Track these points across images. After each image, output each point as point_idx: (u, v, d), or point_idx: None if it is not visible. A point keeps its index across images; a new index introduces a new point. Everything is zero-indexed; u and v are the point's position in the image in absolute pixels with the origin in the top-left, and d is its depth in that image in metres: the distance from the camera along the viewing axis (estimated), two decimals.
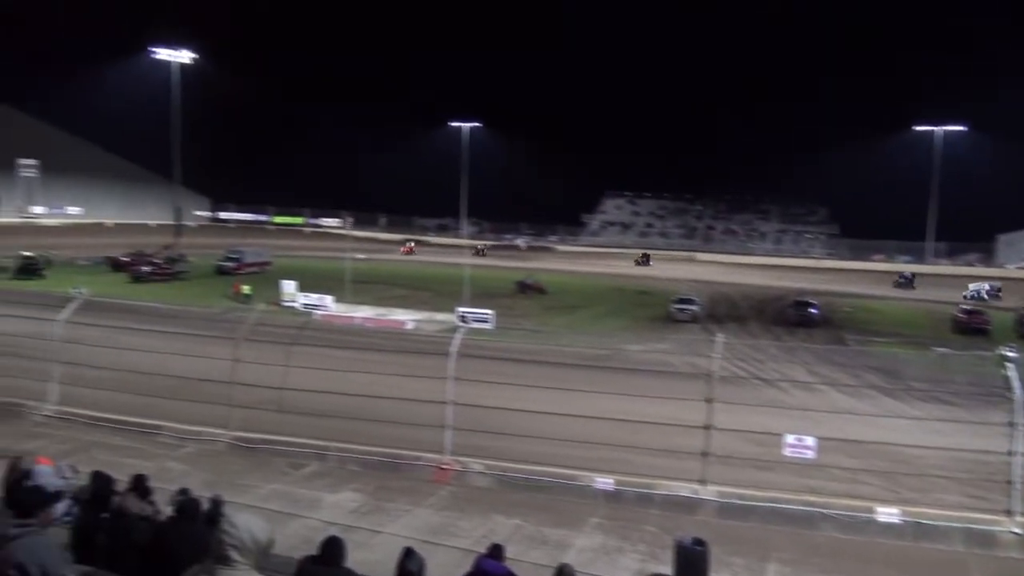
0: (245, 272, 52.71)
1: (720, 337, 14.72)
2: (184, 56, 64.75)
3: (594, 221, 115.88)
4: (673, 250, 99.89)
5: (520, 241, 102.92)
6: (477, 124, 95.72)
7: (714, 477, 13.36)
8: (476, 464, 14.59)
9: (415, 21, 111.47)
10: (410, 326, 35.33)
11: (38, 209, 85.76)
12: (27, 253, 48.52)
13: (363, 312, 37.66)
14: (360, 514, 12.81)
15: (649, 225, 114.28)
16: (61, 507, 5.67)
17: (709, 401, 13.45)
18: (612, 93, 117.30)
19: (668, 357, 28.36)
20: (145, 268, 49.09)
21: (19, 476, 9.37)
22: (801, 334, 39.58)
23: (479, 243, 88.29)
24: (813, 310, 43.45)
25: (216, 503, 9.65)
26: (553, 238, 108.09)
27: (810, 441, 13.30)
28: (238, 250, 57.76)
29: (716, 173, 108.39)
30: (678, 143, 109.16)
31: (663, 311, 44.22)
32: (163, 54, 64.13)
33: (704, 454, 13.32)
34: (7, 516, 4.87)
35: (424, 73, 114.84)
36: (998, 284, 64.52)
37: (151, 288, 44.88)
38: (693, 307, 43.52)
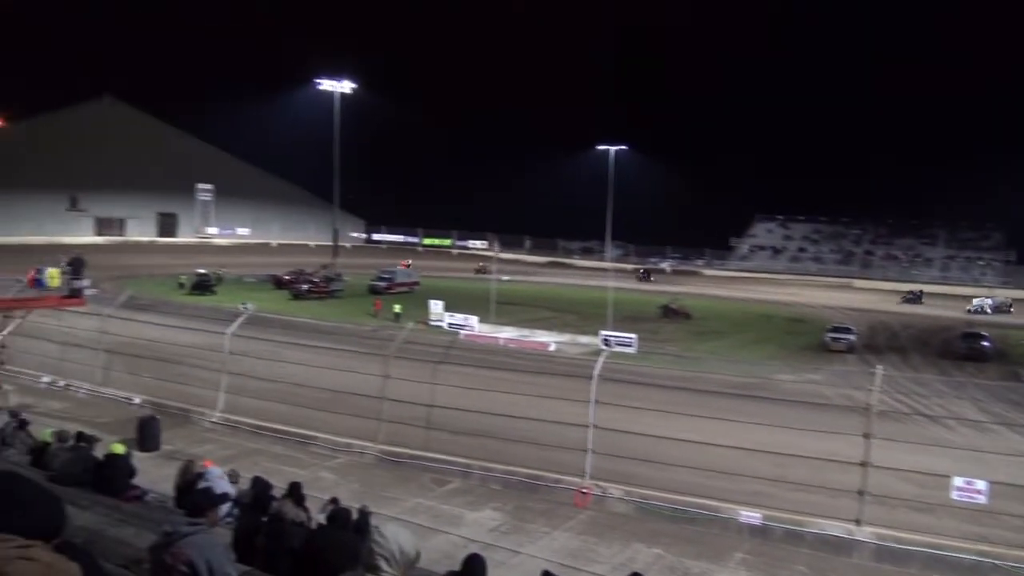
0: (395, 291, 54.73)
1: (879, 369, 13.93)
2: (345, 87, 68.25)
3: (743, 245, 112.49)
4: (828, 276, 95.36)
5: (665, 265, 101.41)
6: (623, 147, 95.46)
7: (870, 517, 12.60)
8: (616, 489, 14.44)
9: (555, 46, 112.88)
10: (553, 348, 35.42)
11: (212, 230, 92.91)
12: (201, 270, 52.42)
13: (507, 333, 38.08)
14: (500, 533, 12.95)
15: (802, 249, 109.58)
16: (224, 508, 5.97)
17: (867, 436, 12.74)
18: (764, 112, 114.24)
19: (822, 388, 27.05)
20: (304, 286, 51.90)
21: (192, 478, 10.11)
22: (970, 368, 36.70)
23: (483, 260, 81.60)
24: (985, 343, 40.20)
25: (364, 513, 10.05)
26: (700, 262, 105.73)
27: (981, 485, 12.31)
28: (389, 270, 60.12)
29: (876, 195, 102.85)
30: (834, 163, 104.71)
31: (816, 340, 42.21)
32: (326, 85, 67.85)
33: (860, 492, 12.61)
34: (178, 514, 5.22)
35: (571, 96, 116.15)
36: (1009, 300, 64.50)
37: (308, 305, 47.38)
38: (850, 336, 41.27)
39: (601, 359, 15.61)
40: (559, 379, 19.30)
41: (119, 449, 11.55)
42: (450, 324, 39.68)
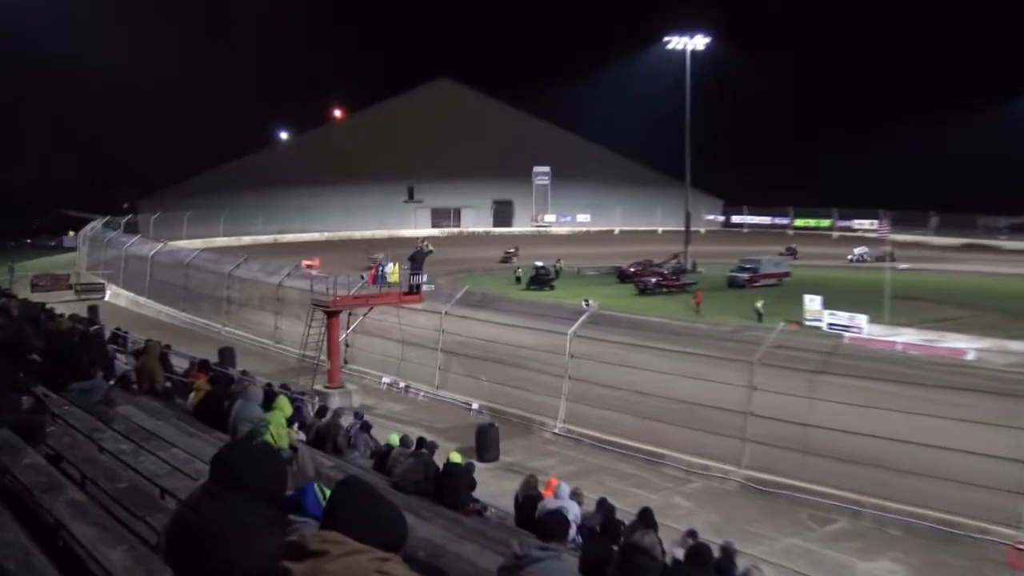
0: (760, 284, 53.65)
1: None
2: (698, 42, 68.08)
3: None
4: None
5: None
6: None
7: None
8: None
9: None
10: (971, 356, 32.55)
11: (549, 217, 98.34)
12: (539, 264, 55.76)
13: (906, 336, 35.70)
14: None
15: None
16: (572, 532, 6.19)
17: None
18: None
19: None
20: (651, 279, 52.94)
21: (535, 495, 10.73)
22: None
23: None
24: None
25: (727, 552, 9.96)
26: None
27: None
28: (754, 259, 58.87)
29: None
30: None
31: None
32: (675, 43, 68.23)
33: None
34: (525, 535, 5.52)
35: (988, 28, 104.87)
36: (889, 248, 62.51)
37: (655, 301, 48.19)
38: None
39: None
40: (981, 397, 17.57)
41: (458, 458, 12.66)
42: (830, 324, 38.27)
